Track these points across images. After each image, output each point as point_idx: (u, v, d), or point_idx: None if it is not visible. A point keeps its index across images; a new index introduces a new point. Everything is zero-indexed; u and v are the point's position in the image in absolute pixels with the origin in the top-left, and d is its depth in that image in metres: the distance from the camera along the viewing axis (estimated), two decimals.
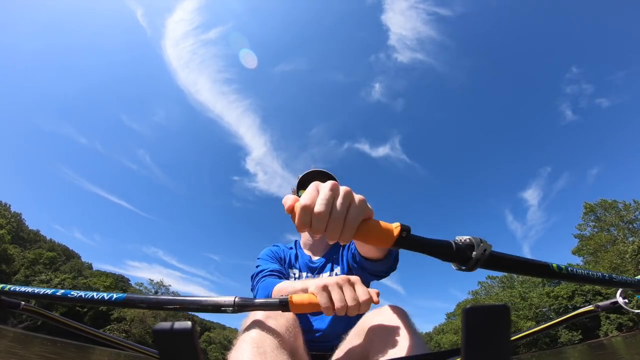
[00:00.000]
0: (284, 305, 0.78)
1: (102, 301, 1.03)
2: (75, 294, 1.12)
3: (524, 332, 1.25)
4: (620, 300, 1.14)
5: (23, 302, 1.11)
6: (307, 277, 1.36)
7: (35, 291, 1.13)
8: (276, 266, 1.31)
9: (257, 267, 1.33)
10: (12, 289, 1.06)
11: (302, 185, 1.49)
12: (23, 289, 1.09)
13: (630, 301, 1.13)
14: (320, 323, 1.26)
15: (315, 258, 1.46)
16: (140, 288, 42.31)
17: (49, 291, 1.11)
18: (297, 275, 1.39)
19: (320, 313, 1.09)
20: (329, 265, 1.39)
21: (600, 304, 1.20)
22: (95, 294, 1.09)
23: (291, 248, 1.53)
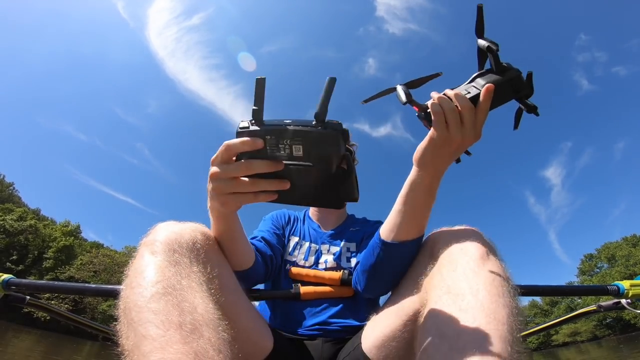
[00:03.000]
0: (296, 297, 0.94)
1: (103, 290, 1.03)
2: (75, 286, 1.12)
3: (528, 330, 1.27)
4: (623, 300, 1.13)
5: (28, 297, 1.11)
6: (309, 247, 1.24)
7: (35, 283, 1.13)
8: (268, 233, 1.18)
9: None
10: (17, 281, 1.05)
11: None
12: (28, 282, 1.09)
13: (632, 302, 1.13)
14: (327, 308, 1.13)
15: (324, 229, 1.33)
16: (134, 254, 40.54)
17: (54, 284, 1.11)
18: (297, 243, 1.25)
19: (327, 300, 1.12)
20: (338, 240, 1.26)
21: (602, 304, 1.19)
22: (101, 285, 1.09)
23: (297, 218, 1.39)
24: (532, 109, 0.70)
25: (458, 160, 0.75)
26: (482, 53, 0.71)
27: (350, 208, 1.45)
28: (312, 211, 1.41)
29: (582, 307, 1.26)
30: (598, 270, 48.05)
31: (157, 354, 0.43)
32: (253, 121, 0.56)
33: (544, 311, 54.32)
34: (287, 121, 0.55)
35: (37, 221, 38.01)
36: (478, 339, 0.46)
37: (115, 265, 35.69)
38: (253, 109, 0.56)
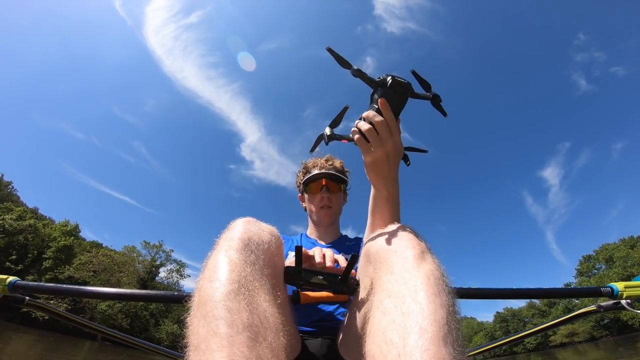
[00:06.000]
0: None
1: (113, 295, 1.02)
2: (79, 289, 1.12)
3: (528, 330, 1.28)
4: (623, 301, 1.13)
5: (28, 297, 1.10)
6: None
7: (41, 286, 1.13)
8: None
9: None
10: (23, 283, 1.05)
11: (308, 172, 1.44)
12: (27, 283, 1.08)
13: (631, 302, 1.13)
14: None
15: (322, 243, 1.42)
16: (132, 254, 39.62)
17: (56, 285, 1.11)
18: None
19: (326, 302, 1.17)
20: (336, 251, 1.32)
21: (602, 304, 1.18)
22: (109, 289, 1.09)
23: (294, 240, 1.47)
24: (431, 98, 0.81)
25: (408, 164, 0.89)
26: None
27: (345, 219, 1.59)
28: (309, 231, 1.51)
29: (580, 308, 1.26)
30: (596, 271, 48.13)
31: (223, 352, 0.46)
32: (295, 267, 0.81)
33: (541, 312, 54.38)
34: (320, 277, 0.81)
35: (36, 220, 37.90)
36: (423, 344, 0.47)
37: (114, 265, 35.53)
38: (295, 268, 0.80)
